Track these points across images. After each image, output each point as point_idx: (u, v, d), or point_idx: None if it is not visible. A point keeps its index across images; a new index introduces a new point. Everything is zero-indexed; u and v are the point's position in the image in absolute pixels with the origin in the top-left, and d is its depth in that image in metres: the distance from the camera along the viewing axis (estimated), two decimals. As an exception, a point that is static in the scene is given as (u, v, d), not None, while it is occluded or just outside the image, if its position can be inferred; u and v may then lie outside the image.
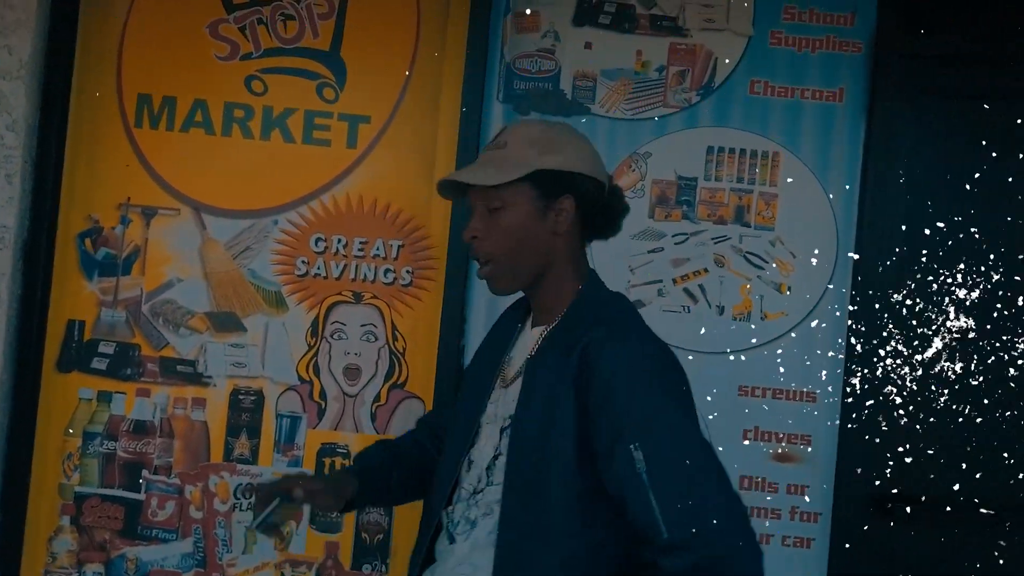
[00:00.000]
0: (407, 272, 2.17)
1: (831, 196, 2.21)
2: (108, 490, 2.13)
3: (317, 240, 2.18)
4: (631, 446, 1.16)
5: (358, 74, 2.18)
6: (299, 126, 2.17)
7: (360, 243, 2.18)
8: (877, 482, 2.17)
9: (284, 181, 2.17)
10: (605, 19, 2.20)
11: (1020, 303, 2.20)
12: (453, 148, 2.17)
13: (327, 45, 2.18)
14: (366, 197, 2.18)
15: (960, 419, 2.18)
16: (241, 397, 2.15)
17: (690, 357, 2.11)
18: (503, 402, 1.33)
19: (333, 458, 2.16)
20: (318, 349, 2.17)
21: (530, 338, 1.36)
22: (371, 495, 1.49)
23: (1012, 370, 2.18)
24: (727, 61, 2.21)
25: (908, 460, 2.19)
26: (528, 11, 2.19)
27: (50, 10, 2.12)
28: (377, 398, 2.16)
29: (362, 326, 2.17)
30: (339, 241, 2.18)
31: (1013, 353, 2.19)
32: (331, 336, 2.17)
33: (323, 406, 2.16)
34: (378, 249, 2.18)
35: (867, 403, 2.18)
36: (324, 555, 2.15)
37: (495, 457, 1.31)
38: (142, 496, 2.13)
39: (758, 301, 2.21)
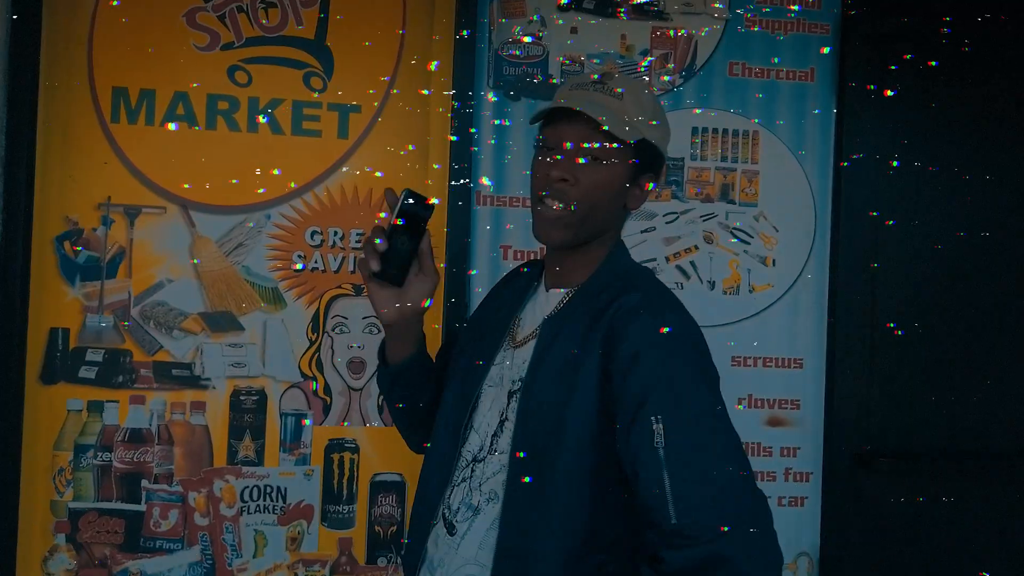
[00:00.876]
0: (407, 262, 2.15)
1: (807, 171, 2.32)
2: (105, 503, 2.04)
3: (313, 233, 2.13)
4: (652, 418, 1.07)
5: (346, 63, 2.14)
6: (287, 117, 2.12)
7: (357, 235, 2.15)
8: (862, 439, 2.31)
9: (275, 174, 2.12)
10: (589, 4, 2.24)
11: (989, 265, 2.37)
12: (446, 135, 2.16)
13: (312, 33, 2.13)
14: (361, 188, 2.15)
15: (937, 378, 2.34)
16: (242, 398, 2.09)
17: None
18: (512, 365, 1.24)
19: (342, 454, 2.14)
20: (320, 344, 2.13)
21: (546, 299, 1.27)
22: (421, 370, 1.34)
23: (987, 331, 2.36)
24: (706, 44, 2.28)
25: (890, 418, 2.34)
26: (514, -3, 2.20)
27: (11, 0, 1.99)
28: (383, 390, 2.14)
29: (364, 318, 2.14)
30: (335, 233, 2.14)
31: (987, 315, 2.37)
32: (333, 330, 2.14)
33: (328, 402, 2.13)
34: (376, 240, 2.15)
35: (850, 366, 2.31)
36: (338, 552, 2.13)
37: (501, 423, 1.21)
38: (143, 507, 2.05)
39: (746, 275, 2.30)
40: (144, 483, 2.05)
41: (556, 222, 1.22)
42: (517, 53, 2.21)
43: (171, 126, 2.07)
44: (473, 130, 2.17)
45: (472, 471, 1.23)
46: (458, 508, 1.22)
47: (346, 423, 2.13)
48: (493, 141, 2.19)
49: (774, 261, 2.31)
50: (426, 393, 1.37)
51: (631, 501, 1.11)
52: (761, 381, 2.29)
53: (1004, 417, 2.37)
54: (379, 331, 2.15)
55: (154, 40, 2.07)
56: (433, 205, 1.24)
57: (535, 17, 2.21)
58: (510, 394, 1.22)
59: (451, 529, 1.22)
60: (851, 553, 2.29)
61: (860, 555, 2.30)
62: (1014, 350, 2.37)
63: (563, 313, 1.23)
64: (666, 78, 2.27)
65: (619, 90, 1.22)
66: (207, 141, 2.09)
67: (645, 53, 2.26)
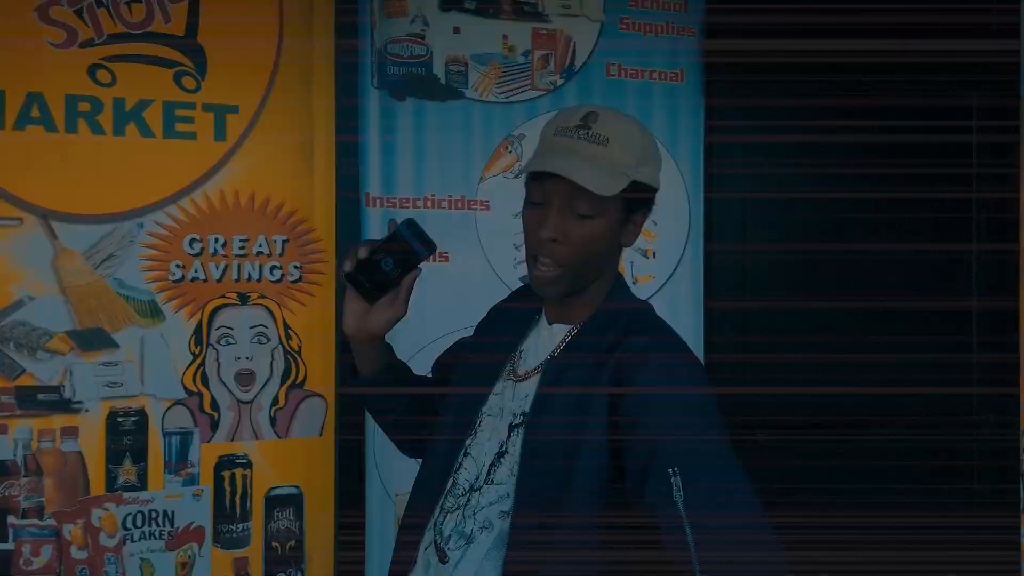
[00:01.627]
0: (295, 268, 2.09)
1: (681, 168, 2.44)
2: (-34, 546, 1.86)
3: (191, 241, 2.02)
4: (669, 470, 1.06)
5: (220, 61, 2.04)
6: (158, 119, 1.99)
7: (240, 241, 2.06)
8: (739, 416, 2.45)
9: (146, 180, 1.99)
10: (471, 4, 2.24)
11: (854, 254, 2.57)
12: (331, 136, 2.11)
13: (182, 30, 2.01)
14: (242, 192, 2.06)
15: (809, 358, 2.51)
16: (120, 419, 1.96)
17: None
18: (513, 397, 1.24)
19: (233, 470, 2.04)
20: (204, 357, 2.02)
21: (549, 335, 1.27)
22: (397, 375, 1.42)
23: (853, 314, 2.55)
24: (584, 45, 2.35)
25: (765, 395, 2.49)
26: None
27: None
28: (275, 401, 2.07)
29: (251, 328, 2.06)
30: (216, 240, 2.04)
31: (856, 298, 2.55)
32: (218, 342, 2.04)
33: (216, 417, 2.03)
34: (261, 246, 2.07)
35: (727, 348, 2.45)
36: (233, 573, 2.04)
37: (499, 455, 1.21)
38: (10, 545, 1.88)
39: (630, 267, 2.39)
40: (11, 519, 1.88)
41: (553, 281, 1.22)
42: (401, 53, 2.18)
43: (26, 130, 1.90)
44: (359, 131, 2.13)
45: (468, 499, 1.22)
46: (450, 535, 1.21)
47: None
48: (380, 142, 2.15)
49: (655, 253, 2.41)
50: (400, 404, 1.41)
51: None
52: (647, 369, 2.38)
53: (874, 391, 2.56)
54: (268, 340, 2.08)
55: (1, 36, 1.89)
56: (433, 245, 1.31)
57: (416, 16, 2.19)
58: (511, 427, 1.22)
59: (443, 556, 1.21)
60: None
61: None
62: (878, 332, 2.57)
63: (568, 351, 1.23)
64: (548, 79, 2.31)
65: (603, 135, 1.17)
66: (68, 146, 1.93)
67: (527, 54, 2.29)
